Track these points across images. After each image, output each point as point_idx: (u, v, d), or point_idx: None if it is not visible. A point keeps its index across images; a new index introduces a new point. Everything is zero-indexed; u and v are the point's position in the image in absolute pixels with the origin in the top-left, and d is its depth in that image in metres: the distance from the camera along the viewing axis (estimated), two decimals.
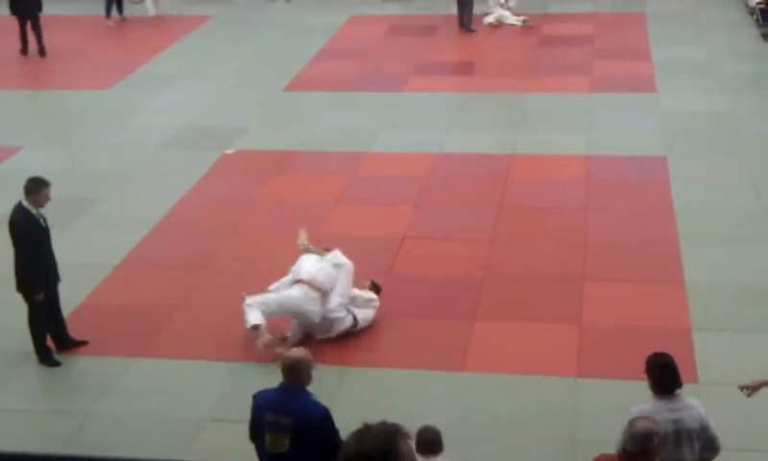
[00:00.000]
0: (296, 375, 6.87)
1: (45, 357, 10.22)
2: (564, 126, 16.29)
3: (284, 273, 10.83)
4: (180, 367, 10.17)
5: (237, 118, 17.04)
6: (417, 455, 6.74)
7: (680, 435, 6.67)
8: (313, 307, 10.25)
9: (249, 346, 10.37)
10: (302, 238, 11.04)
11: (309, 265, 10.51)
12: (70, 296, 11.37)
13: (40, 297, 9.95)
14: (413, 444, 3.25)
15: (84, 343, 10.47)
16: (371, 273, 11.51)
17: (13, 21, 21.29)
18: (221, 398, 9.60)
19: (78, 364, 10.24)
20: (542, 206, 13.35)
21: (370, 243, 12.33)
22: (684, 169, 14.25)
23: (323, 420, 6.78)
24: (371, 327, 10.59)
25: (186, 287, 11.57)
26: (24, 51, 21.42)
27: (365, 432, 3.20)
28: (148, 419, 9.33)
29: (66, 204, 13.90)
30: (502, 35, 21.66)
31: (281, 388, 6.92)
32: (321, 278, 10.40)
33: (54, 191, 14.43)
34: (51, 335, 10.35)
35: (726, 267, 11.59)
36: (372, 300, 10.69)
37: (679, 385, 6.76)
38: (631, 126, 16.12)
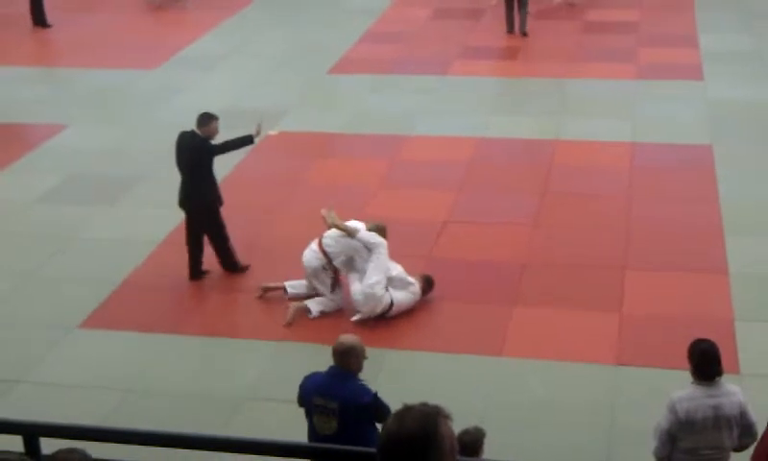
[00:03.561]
0: (345, 360, 6.94)
1: (232, 265, 11.37)
2: (609, 113, 16.18)
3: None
4: (220, 345, 10.25)
5: (281, 100, 17.08)
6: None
7: (719, 421, 6.67)
8: (310, 258, 10.61)
9: (289, 326, 10.44)
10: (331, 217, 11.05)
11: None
12: (114, 272, 11.54)
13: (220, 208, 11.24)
14: (454, 425, 3.26)
15: (246, 268, 11.46)
16: (412, 256, 11.54)
17: None
18: (261, 377, 9.67)
19: (120, 339, 10.35)
20: (585, 193, 13.28)
21: (411, 227, 12.34)
22: (729, 158, 14.10)
23: (369, 405, 6.82)
24: (410, 309, 10.60)
25: None
26: (43, 22, 21.90)
27: (405, 413, 3.21)
28: (188, 395, 9.42)
29: (111, 182, 14.08)
30: (547, 20, 21.52)
31: (330, 372, 6.99)
32: (329, 240, 10.59)
33: (98, 169, 14.69)
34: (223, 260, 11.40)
35: None
36: (410, 284, 10.62)
37: (719, 373, 6.74)
38: (676, 114, 15.98)
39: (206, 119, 11.18)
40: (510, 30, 20.31)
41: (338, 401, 6.82)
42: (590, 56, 19.08)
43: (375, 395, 6.89)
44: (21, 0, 22.89)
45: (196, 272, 11.42)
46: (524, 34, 20.16)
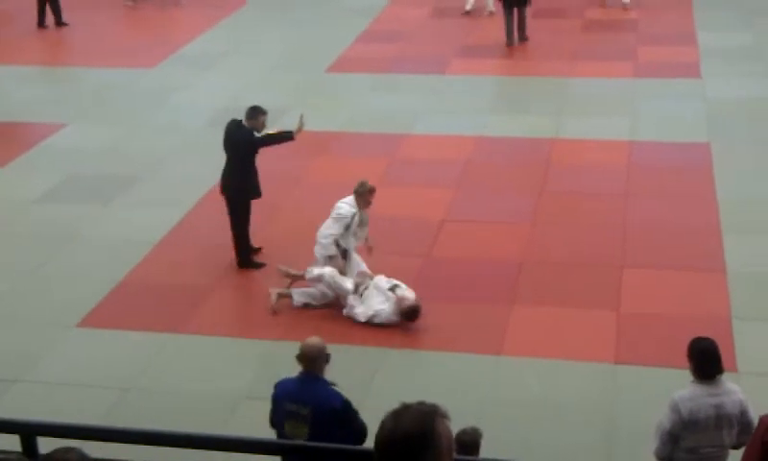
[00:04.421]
0: (314, 364, 6.88)
1: (246, 261, 11.50)
2: (607, 111, 16.17)
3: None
4: (217, 344, 10.25)
5: (280, 99, 17.03)
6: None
7: (720, 420, 6.65)
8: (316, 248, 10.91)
9: (287, 325, 10.45)
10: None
11: None
12: (112, 271, 11.53)
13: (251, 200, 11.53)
14: (451, 425, 3.25)
15: (258, 249, 11.68)
16: (410, 255, 11.56)
17: None
18: (258, 376, 9.65)
19: (118, 339, 10.34)
20: (583, 192, 13.28)
21: (409, 225, 12.34)
22: (727, 156, 14.10)
23: (340, 410, 6.76)
24: None
25: (226, 265, 11.64)
26: (41, 23, 21.81)
27: (403, 411, 3.20)
28: (185, 395, 9.42)
29: (109, 180, 14.08)
30: (546, 19, 21.48)
31: (300, 377, 6.94)
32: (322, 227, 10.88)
33: (97, 168, 14.68)
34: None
35: None
36: (378, 306, 10.40)
37: (720, 371, 6.72)
38: (674, 112, 15.98)
39: (254, 113, 11.46)
40: (509, 43, 19.58)
41: (310, 406, 6.79)
42: (589, 54, 19.07)
43: (347, 401, 6.84)
44: None
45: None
46: (523, 38, 19.69)
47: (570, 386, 9.34)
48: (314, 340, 7.07)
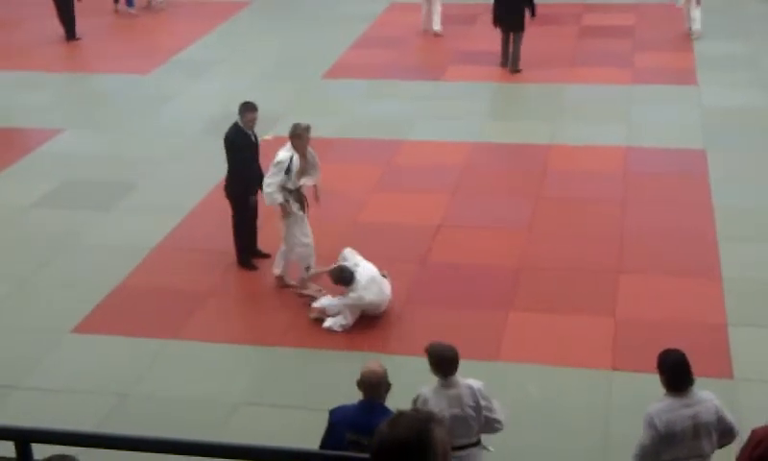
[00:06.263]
0: (373, 390, 6.73)
1: (244, 260, 11.65)
2: (604, 117, 16.19)
3: (320, 261, 11.05)
4: (214, 350, 10.24)
5: (276, 105, 17.03)
6: (435, 374, 6.96)
7: (698, 429, 6.65)
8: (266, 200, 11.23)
9: (283, 331, 10.44)
10: None
11: None
12: (108, 277, 11.52)
13: (252, 201, 11.56)
14: (445, 430, 3.25)
15: (267, 255, 11.69)
16: (406, 260, 11.55)
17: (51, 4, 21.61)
18: (254, 382, 9.66)
19: (114, 345, 10.34)
20: (580, 198, 13.29)
21: (405, 231, 12.35)
22: (723, 164, 14.12)
23: None
24: (405, 314, 10.60)
25: (222, 272, 11.64)
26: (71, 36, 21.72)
27: (398, 419, 3.20)
28: (182, 400, 9.41)
29: (105, 187, 14.08)
30: (543, 25, 21.47)
31: (362, 406, 6.76)
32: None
33: (93, 174, 14.68)
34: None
35: (763, 263, 11.49)
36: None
37: (692, 381, 6.73)
38: (670, 119, 16.00)
39: (241, 109, 11.59)
40: (504, 63, 18.73)
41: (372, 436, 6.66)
42: (586, 60, 19.09)
43: None
44: (16, 5, 22.86)
45: (252, 255, 11.79)
46: (516, 70, 18.55)
47: (567, 392, 9.34)
48: (374, 365, 6.90)
